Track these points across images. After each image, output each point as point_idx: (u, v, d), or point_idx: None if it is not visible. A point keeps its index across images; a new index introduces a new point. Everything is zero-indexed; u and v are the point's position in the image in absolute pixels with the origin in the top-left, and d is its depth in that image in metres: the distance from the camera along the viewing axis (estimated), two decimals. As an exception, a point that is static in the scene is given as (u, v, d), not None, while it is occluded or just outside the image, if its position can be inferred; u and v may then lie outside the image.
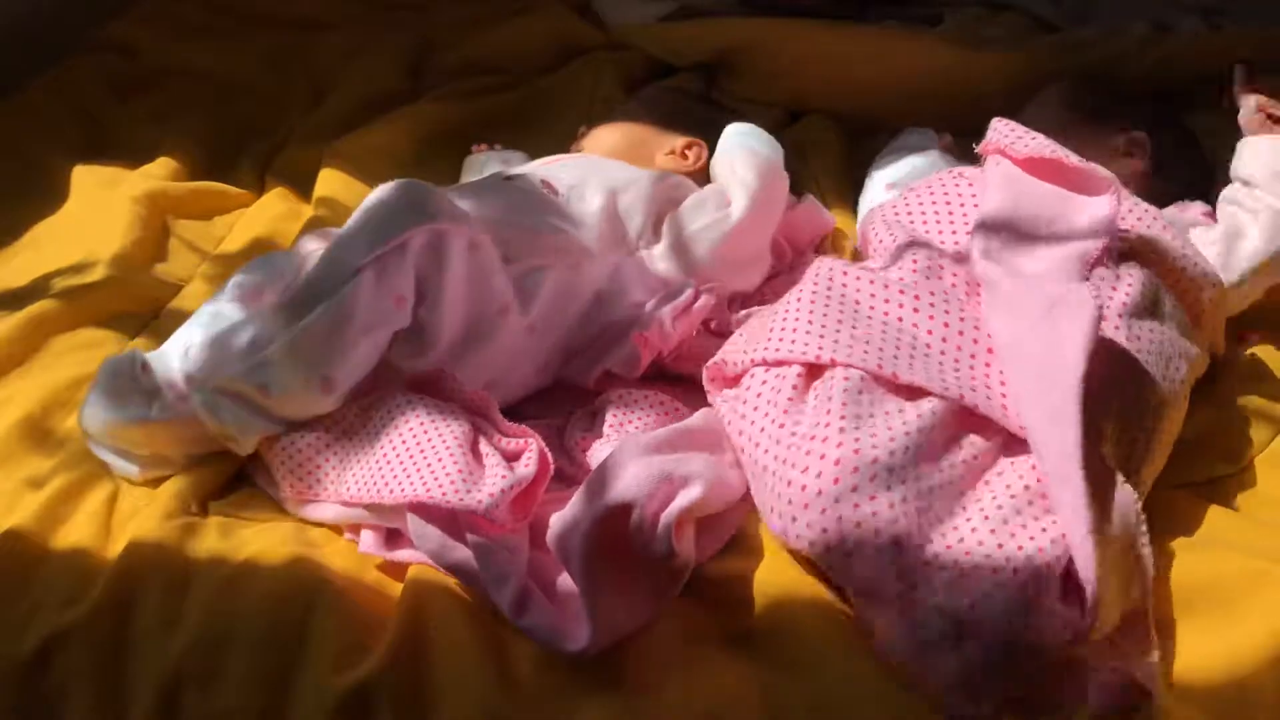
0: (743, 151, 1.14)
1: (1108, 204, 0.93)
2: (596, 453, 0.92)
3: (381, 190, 0.96)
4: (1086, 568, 0.73)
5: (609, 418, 0.96)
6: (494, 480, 0.85)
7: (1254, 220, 1.05)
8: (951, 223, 0.99)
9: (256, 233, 1.29)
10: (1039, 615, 0.73)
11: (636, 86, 1.53)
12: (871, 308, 0.91)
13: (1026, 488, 0.79)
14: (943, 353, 0.87)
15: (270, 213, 1.33)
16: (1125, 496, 0.78)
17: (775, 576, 0.81)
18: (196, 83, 1.58)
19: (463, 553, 0.82)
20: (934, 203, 1.02)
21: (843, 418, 0.81)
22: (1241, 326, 1.06)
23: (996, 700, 0.73)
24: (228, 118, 1.51)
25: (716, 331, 1.09)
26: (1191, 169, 1.23)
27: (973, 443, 0.83)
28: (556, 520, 0.79)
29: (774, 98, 1.50)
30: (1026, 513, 0.78)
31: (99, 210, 1.28)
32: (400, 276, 0.92)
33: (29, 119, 1.47)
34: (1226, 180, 1.17)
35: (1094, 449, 0.77)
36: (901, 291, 0.91)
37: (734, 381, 0.93)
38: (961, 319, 0.89)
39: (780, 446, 0.82)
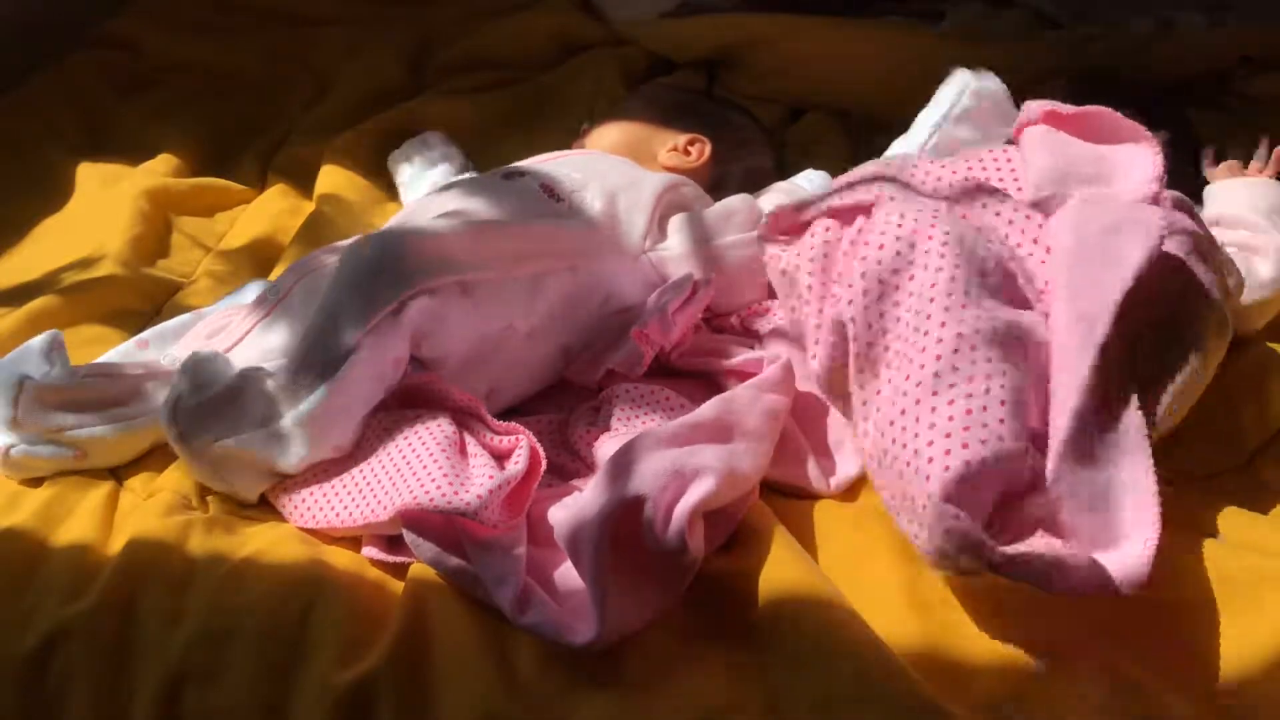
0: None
1: (1149, 155, 0.92)
2: (604, 447, 0.92)
3: (360, 250, 0.95)
4: (1057, 450, 0.76)
5: (615, 412, 0.96)
6: (481, 481, 0.84)
7: (1259, 254, 1.04)
8: (1000, 181, 0.98)
9: (258, 229, 1.29)
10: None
11: (639, 82, 1.53)
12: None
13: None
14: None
15: (272, 209, 1.33)
16: (1134, 416, 0.79)
17: (778, 573, 0.81)
18: (197, 79, 1.58)
19: (460, 559, 0.81)
20: (977, 167, 1.00)
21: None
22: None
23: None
24: (229, 114, 1.51)
25: (719, 328, 1.09)
26: (1188, 170, 1.23)
27: None
28: (566, 515, 0.79)
29: (776, 94, 1.50)
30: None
31: (101, 207, 1.28)
32: (396, 340, 0.92)
33: (30, 116, 1.48)
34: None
35: (1112, 355, 0.79)
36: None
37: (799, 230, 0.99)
38: (1006, 238, 0.90)
39: None
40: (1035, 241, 0.89)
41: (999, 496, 0.78)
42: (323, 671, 0.78)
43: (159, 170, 1.36)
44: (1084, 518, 0.77)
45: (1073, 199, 0.90)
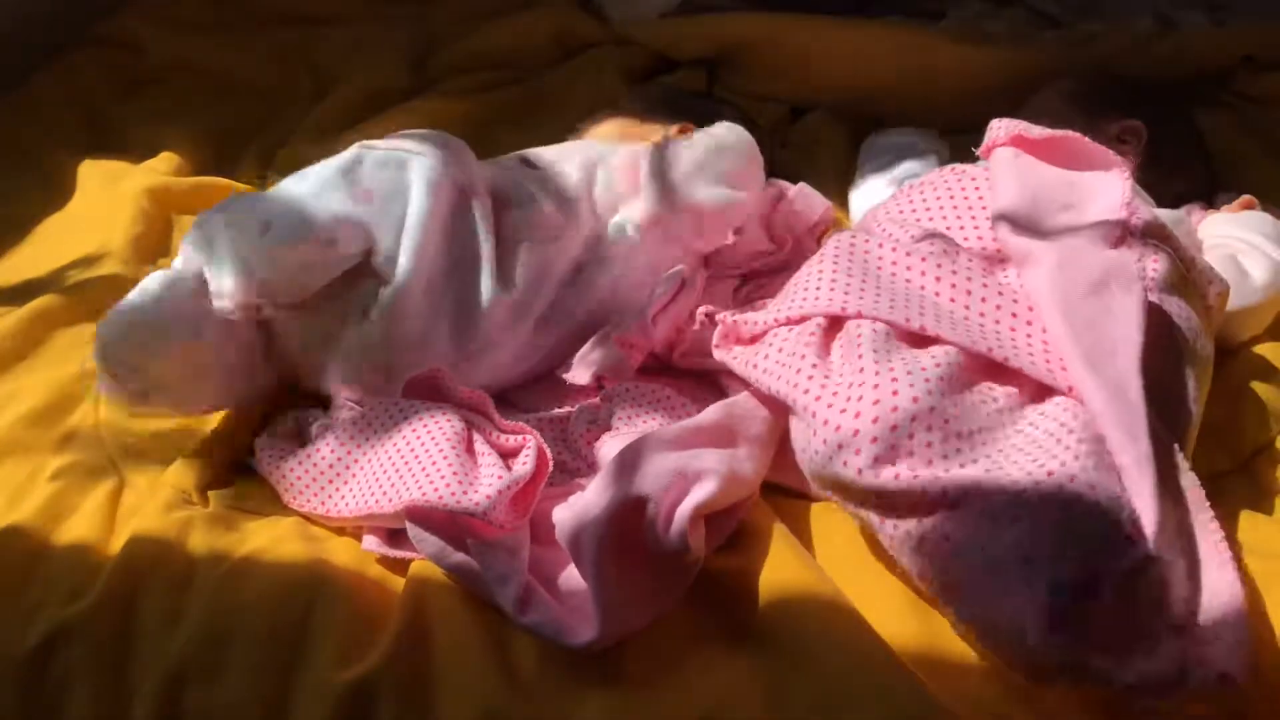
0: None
1: (1119, 182, 0.92)
2: (606, 447, 0.92)
3: None
4: (1148, 519, 0.72)
5: (617, 411, 0.96)
6: (490, 481, 0.84)
7: (1253, 262, 1.05)
8: (959, 218, 0.97)
9: (259, 228, 1.29)
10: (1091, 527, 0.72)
11: (639, 82, 1.53)
12: (893, 274, 0.90)
13: (1062, 425, 0.79)
14: (966, 316, 0.86)
15: (273, 208, 1.33)
16: (1190, 479, 0.79)
17: (778, 571, 0.81)
18: (199, 77, 1.58)
19: (463, 555, 0.81)
20: (939, 200, 0.99)
21: (875, 363, 0.81)
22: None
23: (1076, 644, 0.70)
24: (231, 113, 1.51)
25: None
26: (1193, 167, 1.23)
27: (991, 388, 0.82)
28: (569, 515, 0.79)
29: (777, 93, 1.50)
30: (1065, 440, 0.77)
31: (102, 205, 1.28)
32: (369, 179, 0.99)
33: (32, 114, 1.48)
34: (1227, 180, 1.16)
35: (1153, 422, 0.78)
36: (924, 259, 0.90)
37: (749, 342, 0.93)
38: (985, 286, 0.88)
39: (815, 385, 0.82)
40: (984, 301, 0.88)
41: None
42: (323, 671, 0.78)
43: (160, 169, 1.36)
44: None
45: (1043, 255, 0.88)
